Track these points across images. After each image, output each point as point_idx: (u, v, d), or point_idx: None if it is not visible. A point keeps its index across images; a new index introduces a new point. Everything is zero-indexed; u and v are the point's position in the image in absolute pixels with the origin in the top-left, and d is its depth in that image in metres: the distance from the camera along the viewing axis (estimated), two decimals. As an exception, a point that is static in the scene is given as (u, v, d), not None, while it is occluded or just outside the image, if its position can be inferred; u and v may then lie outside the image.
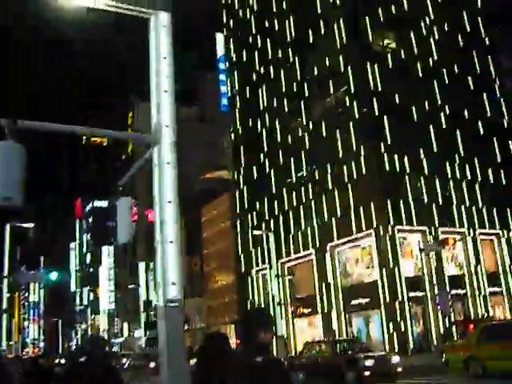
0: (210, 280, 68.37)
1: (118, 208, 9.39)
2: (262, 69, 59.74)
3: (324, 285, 47.76)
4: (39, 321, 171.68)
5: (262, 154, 58.21)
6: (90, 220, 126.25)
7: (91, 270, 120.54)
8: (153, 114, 8.14)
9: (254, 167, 59.23)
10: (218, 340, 5.88)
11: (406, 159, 45.47)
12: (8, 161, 7.12)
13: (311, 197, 50.31)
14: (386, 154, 44.59)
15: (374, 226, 43.08)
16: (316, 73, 51.34)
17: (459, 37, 53.30)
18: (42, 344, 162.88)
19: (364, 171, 44.57)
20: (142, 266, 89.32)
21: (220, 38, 68.53)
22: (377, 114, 45.31)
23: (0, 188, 7.02)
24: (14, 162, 7.16)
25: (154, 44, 8.25)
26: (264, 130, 58.39)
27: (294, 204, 52.33)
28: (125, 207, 9.20)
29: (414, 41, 50.24)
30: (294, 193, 52.51)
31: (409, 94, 47.33)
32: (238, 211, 61.59)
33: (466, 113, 50.52)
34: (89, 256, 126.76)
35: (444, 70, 50.61)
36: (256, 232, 49.81)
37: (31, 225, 38.51)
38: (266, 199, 56.76)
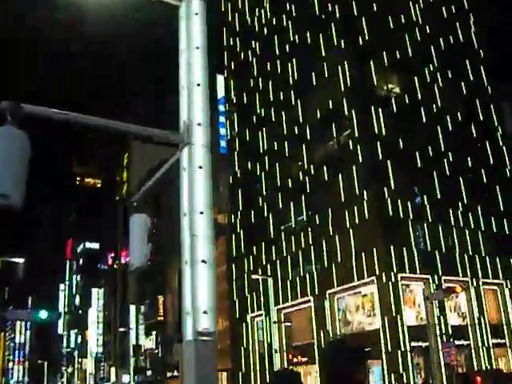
0: (202, 325, 66.54)
1: (130, 227, 8.20)
2: (262, 111, 59.09)
3: (322, 332, 46.18)
4: (24, 362, 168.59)
5: (260, 198, 57.15)
6: (81, 261, 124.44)
7: (80, 312, 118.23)
8: (182, 110, 6.97)
9: (252, 211, 58.10)
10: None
11: (409, 205, 44.45)
12: (7, 150, 5.87)
13: (311, 242, 49.07)
14: (389, 200, 43.53)
15: (377, 273, 41.80)
16: (318, 116, 50.63)
17: (462, 84, 52.88)
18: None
19: (367, 216, 43.47)
20: (132, 308, 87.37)
21: (221, 79, 67.97)
22: (380, 158, 44.46)
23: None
24: (15, 153, 5.93)
25: (184, 34, 7.14)
26: (263, 174, 57.43)
27: (293, 249, 51.08)
28: (139, 225, 8.00)
29: (417, 86, 49.73)
30: (292, 238, 51.30)
31: (412, 140, 46.56)
32: (234, 255, 60.22)
33: (469, 160, 49.77)
34: (78, 298, 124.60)
35: (447, 117, 50.05)
36: (254, 276, 48.45)
37: (21, 260, 37.11)
38: (263, 244, 55.50)
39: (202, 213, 6.46)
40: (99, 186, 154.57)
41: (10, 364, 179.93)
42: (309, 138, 51.44)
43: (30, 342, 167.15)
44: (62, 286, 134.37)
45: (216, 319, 6.31)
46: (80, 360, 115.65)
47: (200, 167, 6.63)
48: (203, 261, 6.31)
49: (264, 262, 54.53)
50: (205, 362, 6.01)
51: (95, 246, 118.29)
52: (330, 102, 49.35)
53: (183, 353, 6.30)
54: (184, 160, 6.81)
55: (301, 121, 52.75)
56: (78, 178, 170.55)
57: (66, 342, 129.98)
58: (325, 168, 48.59)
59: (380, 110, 46.24)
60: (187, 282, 6.34)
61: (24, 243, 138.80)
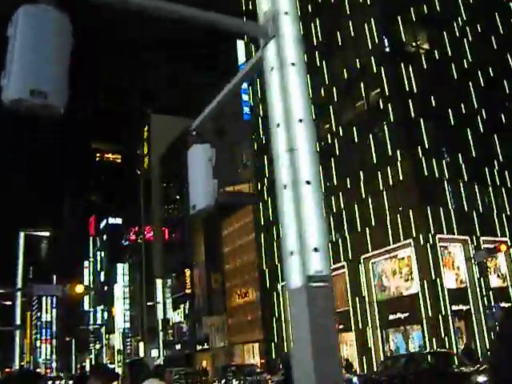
0: (231, 297, 65.37)
1: (190, 161, 6.73)
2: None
3: (358, 299, 44.82)
4: (51, 340, 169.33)
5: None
6: (105, 237, 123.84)
7: (105, 288, 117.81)
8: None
9: (279, 177, 56.59)
10: None
11: (444, 164, 42.72)
12: (42, 36, 4.37)
13: (342, 206, 47.57)
14: (423, 159, 41.80)
15: (413, 235, 40.24)
16: (346, 76, 48.85)
17: (493, 39, 50.75)
18: (53, 364, 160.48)
19: (401, 177, 41.83)
20: (159, 282, 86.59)
21: (241, 44, 66.20)
22: (412, 116, 42.71)
23: (27, 76, 4.29)
24: (52, 40, 4.41)
25: None
26: (289, 138, 55.81)
27: (324, 214, 49.47)
28: (200, 157, 6.54)
29: (447, 42, 47.69)
30: (322, 202, 49.71)
31: (444, 97, 44.58)
32: (262, 224, 58.85)
33: (502, 117, 47.88)
34: (102, 274, 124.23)
35: (479, 73, 48.05)
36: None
37: (46, 233, 35.78)
38: (292, 210, 54.08)
39: (301, 120, 4.95)
40: (119, 161, 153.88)
41: (38, 343, 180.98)
42: (336, 99, 49.69)
43: (56, 320, 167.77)
44: (86, 263, 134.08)
45: (329, 261, 4.80)
46: (107, 336, 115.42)
47: (293, 64, 5.08)
48: (307, 182, 4.81)
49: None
50: (320, 314, 4.55)
51: (118, 221, 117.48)
52: (357, 61, 47.56)
53: (290, 304, 4.85)
54: (270, 57, 5.25)
55: (327, 82, 50.95)
56: (97, 155, 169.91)
57: (93, 318, 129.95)
58: (354, 129, 46.92)
59: (410, 66, 44.35)
60: (288, 212, 4.85)
61: (46, 221, 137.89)
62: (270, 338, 56.36)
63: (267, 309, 57.31)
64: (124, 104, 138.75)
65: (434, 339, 38.04)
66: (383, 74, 44.37)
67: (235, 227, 65.49)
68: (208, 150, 6.84)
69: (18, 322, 35.64)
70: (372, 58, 45.73)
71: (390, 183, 42.59)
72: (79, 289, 32.59)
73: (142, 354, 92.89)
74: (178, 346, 79.56)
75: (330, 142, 49.83)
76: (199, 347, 72.94)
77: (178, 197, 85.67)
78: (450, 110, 44.63)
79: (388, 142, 43.32)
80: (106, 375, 6.28)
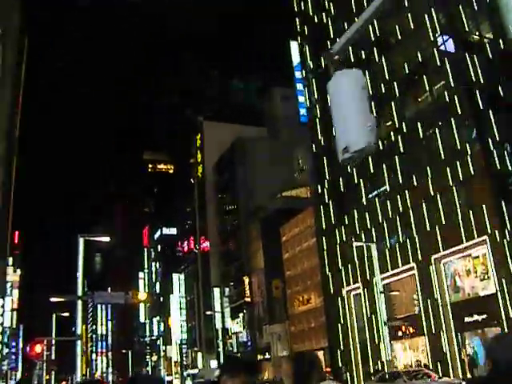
0: (293, 304, 63.73)
1: (333, 93, 5.40)
2: (343, 73, 55.68)
3: (429, 301, 42.77)
4: (107, 353, 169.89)
5: (348, 165, 53.82)
6: (159, 248, 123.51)
7: (161, 299, 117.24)
8: None
9: (341, 179, 54.90)
10: None
11: (517, 156, 40.55)
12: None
13: (409, 205, 45.59)
14: (495, 152, 39.73)
15: (489, 231, 38.14)
16: (407, 70, 47.04)
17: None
18: (109, 377, 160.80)
19: (472, 172, 39.80)
20: (216, 291, 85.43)
21: (294, 46, 64.95)
22: (481, 107, 40.70)
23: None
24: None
25: None
26: (349, 138, 54.07)
27: (390, 215, 47.68)
28: (350, 87, 5.30)
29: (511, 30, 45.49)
30: (388, 202, 47.90)
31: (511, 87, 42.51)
32: (324, 228, 57.19)
33: None
34: (158, 285, 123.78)
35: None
36: (356, 244, 45.10)
37: (107, 238, 34.67)
38: (355, 212, 52.33)
39: None
40: (171, 171, 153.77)
41: (93, 355, 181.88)
42: (397, 94, 47.87)
43: (112, 333, 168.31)
44: (141, 274, 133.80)
45: None
46: (164, 348, 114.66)
47: None
48: None
49: (358, 231, 51.28)
50: None
51: (172, 231, 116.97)
52: (419, 53, 45.74)
53: None
54: None
55: (387, 78, 49.20)
56: (150, 165, 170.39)
57: (149, 330, 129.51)
58: (419, 124, 45.00)
59: (475, 57, 42.35)
60: None
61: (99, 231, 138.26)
62: (336, 345, 54.58)
63: (332, 315, 55.58)
64: (174, 113, 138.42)
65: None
66: (447, 66, 42.46)
67: (295, 232, 63.94)
68: (360, 76, 5.48)
69: (79, 331, 34.58)
70: (434, 49, 43.91)
71: (461, 178, 40.54)
72: (142, 296, 31.84)
73: (200, 365, 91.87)
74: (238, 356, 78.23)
75: (393, 139, 47.94)
76: (260, 357, 71.45)
77: (233, 206, 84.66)
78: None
79: (456, 135, 41.33)
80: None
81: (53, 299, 34.42)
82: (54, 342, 58.84)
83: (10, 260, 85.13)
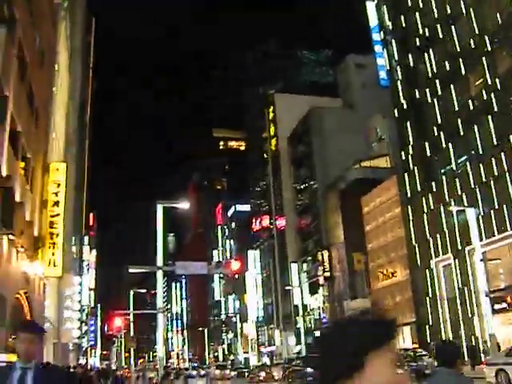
0: (376, 278, 60.78)
1: None
2: (426, 31, 52.19)
3: (531, 271, 39.44)
4: (182, 332, 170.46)
5: (434, 127, 50.50)
6: (233, 225, 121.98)
7: (236, 276, 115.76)
8: None
9: (427, 143, 51.59)
10: None
11: None
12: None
13: (506, 168, 42.00)
14: None
15: None
16: (499, 21, 43.28)
17: None
18: (186, 355, 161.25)
19: None
20: (294, 267, 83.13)
21: (371, 6, 61.57)
22: None
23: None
24: None
25: None
26: (435, 100, 50.67)
27: (483, 179, 44.18)
28: None
29: None
30: (481, 166, 44.36)
31: None
32: (409, 196, 54.04)
33: None
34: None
35: None
36: (455, 208, 41.72)
37: (187, 205, 32.57)
38: (444, 178, 49.03)
39: None
40: (242, 148, 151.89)
41: (170, 334, 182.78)
42: (489, 49, 44.16)
43: (187, 311, 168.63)
44: (215, 253, 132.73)
45: None
46: (240, 325, 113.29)
47: None
48: None
49: (447, 199, 47.99)
50: None
51: (246, 208, 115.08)
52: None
53: None
54: None
55: (476, 32, 45.52)
56: (221, 143, 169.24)
57: (225, 308, 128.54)
58: (515, 79, 41.38)
59: None
60: None
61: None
62: (423, 320, 51.60)
63: (419, 288, 52.57)
64: (242, 89, 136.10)
65: None
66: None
67: (376, 203, 60.85)
68: None
69: (160, 304, 32.74)
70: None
71: None
72: (235, 265, 29.52)
73: (277, 343, 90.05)
74: (318, 333, 75.84)
75: (485, 98, 44.35)
76: (341, 333, 68.93)
77: (309, 179, 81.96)
78: None
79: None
80: None
81: (131, 270, 32.76)
82: (132, 318, 57.41)
83: (86, 239, 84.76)
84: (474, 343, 43.92)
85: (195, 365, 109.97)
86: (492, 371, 23.33)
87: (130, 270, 33.89)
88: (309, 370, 41.18)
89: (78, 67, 59.25)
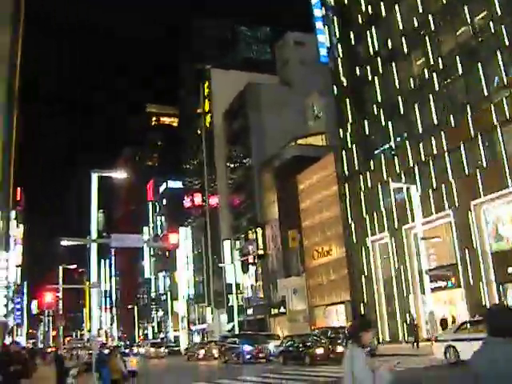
0: (311, 256, 60.49)
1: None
2: (369, 8, 51.75)
3: (467, 251, 39.53)
4: (111, 309, 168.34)
5: (374, 106, 50.23)
6: (164, 202, 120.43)
7: (167, 254, 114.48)
8: None
9: (366, 121, 51.33)
10: None
11: None
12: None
13: (445, 148, 42.00)
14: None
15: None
16: (444, 1, 43.08)
17: None
18: (115, 333, 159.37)
19: (522, 109, 36.25)
20: (226, 244, 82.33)
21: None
22: (531, 39, 37.04)
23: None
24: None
25: None
26: (376, 78, 50.36)
27: (422, 158, 44.13)
28: None
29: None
30: (421, 145, 44.27)
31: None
32: (346, 174, 53.76)
33: None
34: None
35: None
36: (395, 185, 41.39)
37: (123, 174, 31.19)
38: (382, 156, 48.89)
39: None
40: (175, 124, 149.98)
41: (98, 312, 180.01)
42: (433, 28, 43.97)
43: (116, 289, 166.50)
44: (145, 229, 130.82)
45: None
46: (171, 303, 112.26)
47: None
48: None
49: (385, 178, 47.86)
50: None
51: (178, 184, 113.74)
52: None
53: None
54: None
55: (420, 10, 45.27)
56: (153, 119, 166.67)
57: (155, 285, 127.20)
58: (457, 59, 41.24)
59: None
60: None
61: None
62: (359, 298, 51.62)
63: (354, 267, 52.53)
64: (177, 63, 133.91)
65: None
66: (493, -7, 38.60)
67: (313, 181, 60.38)
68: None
69: (95, 278, 31.34)
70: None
71: (507, 117, 36.97)
72: (174, 239, 28.54)
73: (209, 321, 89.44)
74: (250, 311, 75.44)
75: (427, 76, 44.23)
76: (274, 311, 68.72)
77: (244, 156, 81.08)
78: None
79: (502, 69, 37.67)
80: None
81: (64, 243, 31.36)
82: (61, 296, 55.72)
83: (13, 214, 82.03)
84: (409, 322, 44.14)
85: (128, 343, 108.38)
86: (441, 348, 23.08)
87: (63, 243, 32.56)
88: (246, 347, 40.65)
89: None
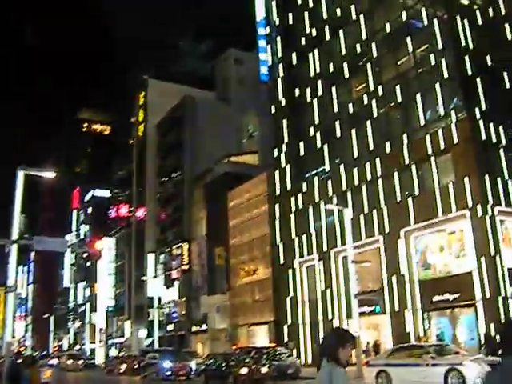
0: (237, 274, 59.91)
1: None
2: (313, 31, 51.98)
3: (396, 277, 39.75)
4: (26, 318, 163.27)
5: (311, 128, 50.30)
6: (89, 210, 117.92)
7: (88, 263, 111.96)
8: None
9: (301, 143, 51.33)
10: None
11: (501, 129, 37.74)
12: None
13: (378, 174, 42.33)
14: (481, 122, 36.82)
15: (469, 206, 35.25)
16: (388, 30, 43.64)
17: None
18: (27, 342, 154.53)
19: (455, 141, 36.77)
20: (150, 257, 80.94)
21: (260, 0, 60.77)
22: (469, 73, 37.76)
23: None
24: None
25: None
26: (316, 100, 50.52)
27: (355, 184, 44.34)
28: None
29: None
30: (355, 170, 44.45)
31: (499, 57, 39.74)
32: (278, 194, 53.51)
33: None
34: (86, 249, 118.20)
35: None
36: (328, 206, 41.24)
37: (52, 174, 29.78)
38: (316, 179, 48.90)
39: None
40: (107, 132, 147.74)
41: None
42: (375, 55, 44.47)
43: (32, 296, 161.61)
44: (68, 237, 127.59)
45: None
46: (89, 314, 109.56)
47: None
48: None
49: (317, 200, 47.90)
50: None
51: (105, 193, 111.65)
52: (404, 13, 42.45)
53: None
54: None
55: (364, 37, 45.74)
56: (85, 125, 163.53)
57: (74, 295, 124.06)
58: (398, 88, 41.77)
59: (466, 21, 39.30)
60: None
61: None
62: (283, 320, 51.25)
63: (280, 288, 52.18)
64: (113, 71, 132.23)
65: (491, 324, 33.18)
66: (436, 27, 39.28)
67: (243, 199, 60.06)
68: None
69: (12, 282, 29.71)
70: (422, 9, 40.73)
71: (441, 147, 37.49)
72: (99, 244, 27.61)
73: (127, 334, 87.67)
74: (171, 327, 74.16)
75: (366, 103, 44.63)
76: (195, 328, 67.76)
77: (175, 169, 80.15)
78: (505, 71, 39.64)
79: (440, 100, 38.29)
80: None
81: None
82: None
83: None
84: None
85: (43, 353, 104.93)
86: (373, 372, 22.87)
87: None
88: (166, 363, 39.70)
89: None
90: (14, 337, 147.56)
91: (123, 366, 50.54)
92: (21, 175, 26.34)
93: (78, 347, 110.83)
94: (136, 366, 48.29)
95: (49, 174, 30.05)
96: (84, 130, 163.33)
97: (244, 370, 30.52)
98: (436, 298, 37.08)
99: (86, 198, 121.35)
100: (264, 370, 31.06)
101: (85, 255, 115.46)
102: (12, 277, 30.58)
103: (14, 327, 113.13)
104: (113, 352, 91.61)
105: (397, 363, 21.08)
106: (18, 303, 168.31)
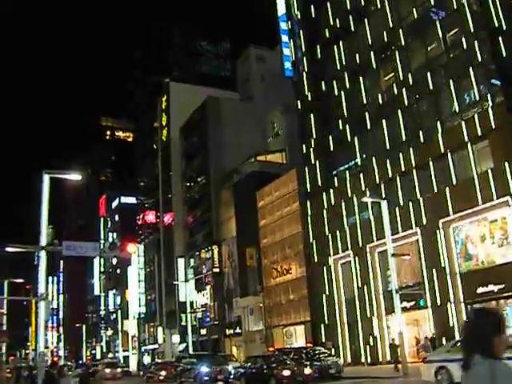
0: (269, 275, 58.80)
1: None
2: (337, 21, 50.76)
3: (435, 271, 38.37)
4: (58, 328, 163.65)
5: (340, 121, 49.06)
6: (117, 218, 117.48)
7: (117, 271, 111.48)
8: None
9: (330, 137, 50.09)
10: None
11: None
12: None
13: (413, 164, 40.96)
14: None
15: (511, 191, 33.77)
16: (415, 16, 42.29)
17: None
18: (61, 352, 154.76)
19: (493, 125, 35.33)
20: (180, 262, 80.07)
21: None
22: (504, 55, 36.28)
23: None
24: None
25: None
26: (343, 93, 49.27)
27: (389, 175, 43.02)
28: None
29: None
30: (387, 161, 43.15)
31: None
32: (309, 191, 52.29)
33: None
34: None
35: None
36: (364, 199, 39.92)
37: (78, 176, 29.11)
38: (348, 173, 47.64)
39: None
40: (130, 139, 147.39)
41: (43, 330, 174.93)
42: (403, 43, 43.10)
43: (64, 307, 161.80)
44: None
45: None
46: (121, 322, 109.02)
47: None
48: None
49: (350, 194, 46.67)
50: None
51: (131, 200, 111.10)
52: (430, -3, 41.06)
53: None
54: None
55: (391, 25, 44.39)
56: (108, 132, 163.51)
57: (104, 303, 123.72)
58: (428, 74, 40.36)
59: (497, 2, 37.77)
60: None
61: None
62: (319, 319, 50.04)
63: (315, 286, 50.97)
64: (135, 76, 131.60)
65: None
66: (466, 9, 37.81)
67: (273, 198, 59.01)
68: None
69: (43, 290, 28.72)
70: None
71: (479, 133, 36.06)
72: (131, 248, 26.83)
73: (160, 340, 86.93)
74: (204, 331, 73.17)
75: (396, 92, 43.28)
76: (229, 331, 66.71)
77: (201, 172, 79.28)
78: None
79: (474, 85, 36.84)
80: None
81: (10, 249, 29.20)
82: (5, 311, 52.83)
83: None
84: (372, 343, 42.98)
85: (80, 363, 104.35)
86: (431, 369, 21.52)
87: (8, 250, 30.42)
88: (203, 368, 38.64)
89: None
90: (47, 347, 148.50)
91: (163, 373, 49.33)
92: (46, 179, 25.64)
93: (110, 355, 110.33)
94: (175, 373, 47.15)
95: (75, 177, 29.35)
96: (107, 138, 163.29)
97: (287, 372, 29.36)
98: (480, 290, 35.62)
99: (113, 206, 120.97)
100: (307, 371, 29.92)
101: (114, 262, 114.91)
102: (42, 285, 29.79)
103: (46, 337, 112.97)
104: (146, 359, 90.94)
105: (458, 358, 19.72)
106: (50, 314, 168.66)
